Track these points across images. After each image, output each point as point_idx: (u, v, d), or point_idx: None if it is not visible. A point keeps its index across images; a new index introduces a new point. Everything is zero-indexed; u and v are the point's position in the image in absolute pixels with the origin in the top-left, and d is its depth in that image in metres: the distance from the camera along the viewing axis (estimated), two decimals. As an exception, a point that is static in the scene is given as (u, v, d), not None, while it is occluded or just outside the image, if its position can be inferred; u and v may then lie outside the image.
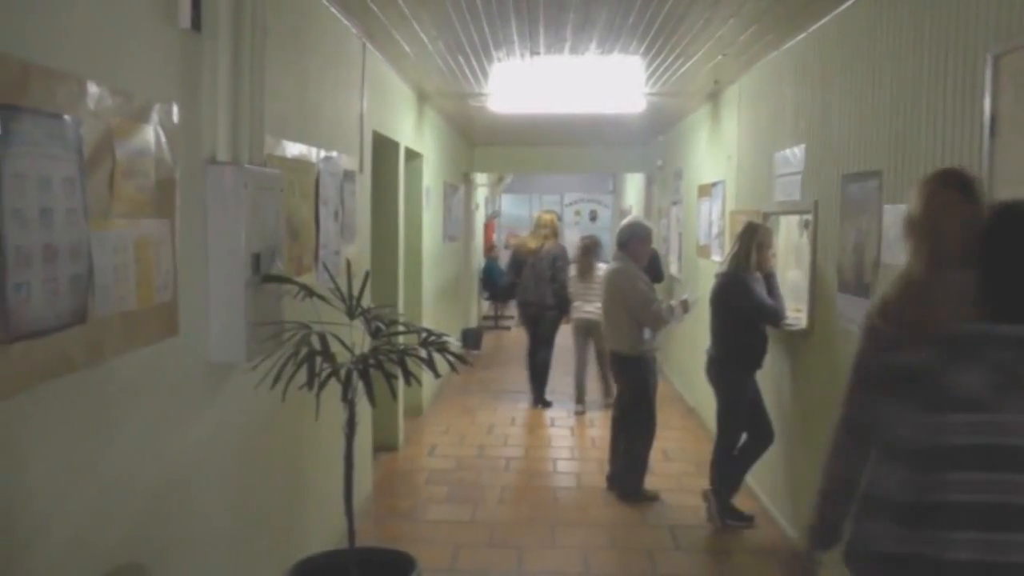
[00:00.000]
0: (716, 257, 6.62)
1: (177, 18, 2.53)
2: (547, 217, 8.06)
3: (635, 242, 5.21)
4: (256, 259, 2.86)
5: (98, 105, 2.06)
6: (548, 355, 7.86)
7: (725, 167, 6.56)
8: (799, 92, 4.74)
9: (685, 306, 5.33)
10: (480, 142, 11.52)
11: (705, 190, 7.28)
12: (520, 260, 7.91)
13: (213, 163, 2.77)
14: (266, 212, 2.97)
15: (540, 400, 7.86)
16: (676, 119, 8.71)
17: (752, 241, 4.69)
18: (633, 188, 13.85)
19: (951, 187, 1.90)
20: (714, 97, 7.01)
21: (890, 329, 1.85)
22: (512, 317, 13.82)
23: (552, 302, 7.69)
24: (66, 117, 1.92)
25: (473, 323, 12.52)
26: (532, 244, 7.89)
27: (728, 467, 4.79)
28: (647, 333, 5.10)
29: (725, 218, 6.46)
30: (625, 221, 5.36)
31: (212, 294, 2.76)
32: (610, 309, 5.30)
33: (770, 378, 5.00)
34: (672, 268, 8.83)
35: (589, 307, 7.42)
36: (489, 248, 14.05)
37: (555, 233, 7.83)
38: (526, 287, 7.80)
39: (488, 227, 15.24)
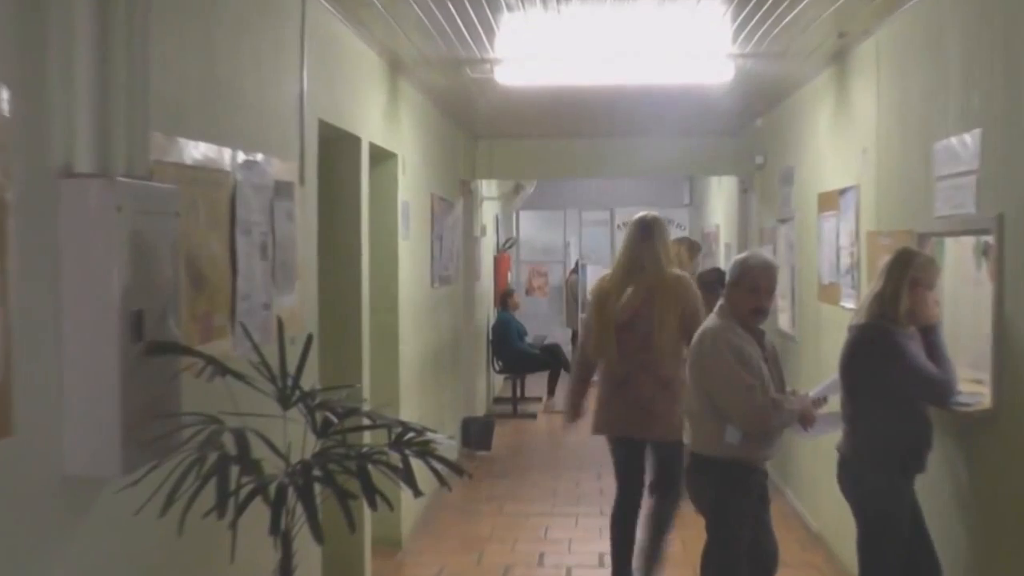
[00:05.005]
0: (848, 303, 6.57)
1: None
2: (648, 219, 6.58)
3: (732, 286, 5.16)
4: (137, 319, 2.86)
5: None
6: (670, 508, 6.31)
7: (858, 166, 6.57)
8: (972, 49, 4.74)
9: (818, 403, 5.27)
10: (485, 134, 11.60)
11: (829, 201, 7.26)
12: (604, 316, 6.36)
13: (68, 176, 2.79)
14: (153, 248, 2.98)
15: None
16: (782, 93, 8.73)
17: (903, 278, 4.66)
18: (720, 199, 13.89)
19: None
20: (839, 59, 7.04)
21: None
22: (539, 399, 13.80)
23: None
24: None
25: (479, 409, 12.50)
26: (622, 288, 6.34)
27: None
28: (732, 433, 5.04)
29: (860, 243, 6.44)
30: (740, 256, 5.32)
31: (68, 373, 2.76)
32: (690, 387, 5.28)
33: (936, 486, 4.94)
34: (782, 320, 8.79)
35: None
36: (503, 295, 14.09)
37: (667, 254, 6.41)
38: (619, 373, 6.32)
39: (501, 262, 15.30)
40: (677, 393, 5.93)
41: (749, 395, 4.94)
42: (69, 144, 2.81)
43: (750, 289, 5.10)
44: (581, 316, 11.62)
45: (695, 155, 11.82)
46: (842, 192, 6.91)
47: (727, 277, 5.27)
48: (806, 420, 5.15)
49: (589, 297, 6.72)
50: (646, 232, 6.33)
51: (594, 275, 18.43)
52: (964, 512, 4.78)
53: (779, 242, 9.15)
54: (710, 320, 5.23)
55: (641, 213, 6.59)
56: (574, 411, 6.87)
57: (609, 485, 9.41)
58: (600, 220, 18.55)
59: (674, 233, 17.51)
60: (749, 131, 10.70)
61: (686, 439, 5.33)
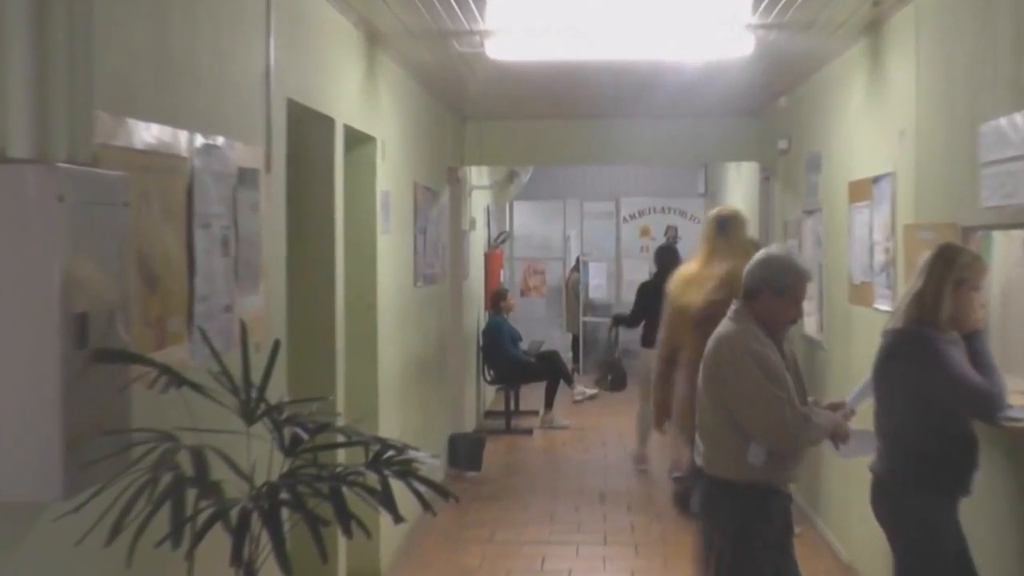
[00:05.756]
0: (883, 305, 6.58)
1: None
2: (727, 214, 7.32)
3: (771, 292, 5.12)
4: (81, 323, 2.86)
5: None
6: None
7: (895, 150, 6.57)
8: None
9: (847, 415, 5.24)
10: (475, 115, 11.60)
11: (861, 190, 7.27)
12: (683, 311, 7.03)
13: (2, 161, 2.78)
14: (99, 243, 2.97)
15: None
16: (808, 69, 8.74)
17: (946, 277, 4.66)
18: (739, 188, 13.89)
19: None
20: (873, 30, 7.04)
21: None
22: (536, 413, 13.80)
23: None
24: None
25: (468, 424, 12.50)
26: (702, 281, 6.98)
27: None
28: (756, 452, 5.02)
29: (896, 238, 6.45)
30: (760, 254, 5.29)
31: (1, 384, 2.75)
32: (705, 401, 5.23)
33: (983, 511, 4.93)
34: (808, 324, 8.77)
35: None
36: (496, 296, 14.09)
37: (744, 250, 6.65)
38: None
39: (493, 259, 15.30)
40: None
41: (777, 409, 4.90)
42: (2, 126, 2.79)
43: (796, 300, 5.09)
44: (621, 315, 11.74)
45: (710, 139, 11.84)
46: (876, 180, 6.90)
47: (757, 278, 5.18)
48: (839, 436, 5.13)
49: (667, 292, 7.47)
50: (724, 227, 7.08)
51: (597, 273, 18.54)
52: (1015, 540, 4.76)
53: (804, 236, 9.16)
54: (726, 326, 5.17)
55: (719, 207, 7.67)
56: (662, 411, 7.27)
57: (613, 510, 9.45)
58: (604, 212, 18.51)
59: (690, 226, 17.69)
60: (771, 112, 10.70)
61: (699, 460, 5.30)
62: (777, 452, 4.99)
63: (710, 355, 5.17)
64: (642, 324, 11.19)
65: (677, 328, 7.11)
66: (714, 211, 7.56)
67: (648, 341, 11.11)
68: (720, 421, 5.08)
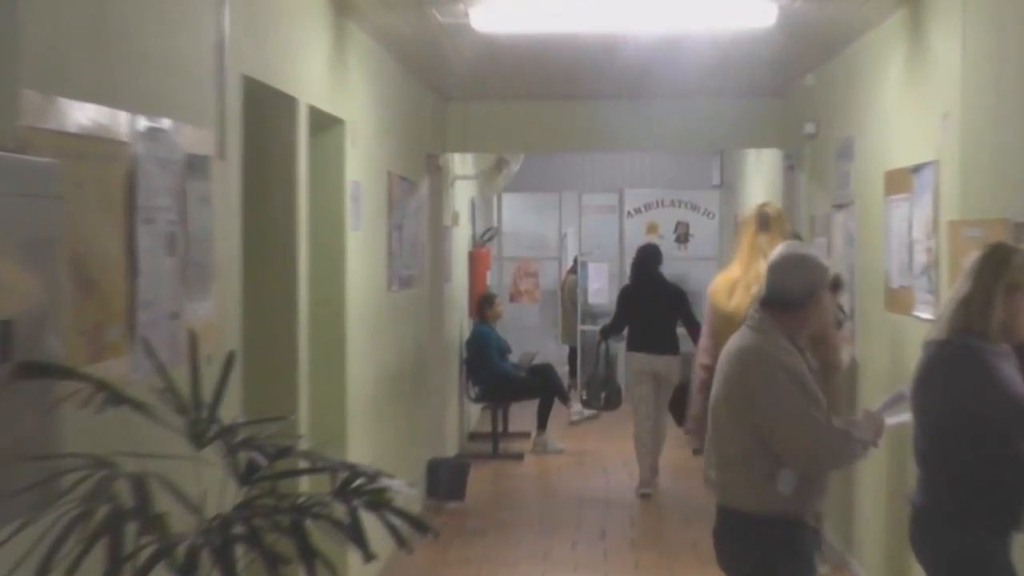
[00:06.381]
0: (924, 312, 6.59)
1: None
2: (769, 210, 8.08)
3: (814, 300, 5.14)
4: (4, 332, 2.86)
5: None
6: None
7: (938, 136, 6.57)
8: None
9: (877, 424, 5.24)
10: (459, 95, 11.60)
11: (899, 181, 7.28)
12: (727, 316, 7.60)
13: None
14: (26, 240, 2.96)
15: None
16: (839, 43, 8.76)
17: (996, 282, 4.65)
18: (759, 179, 13.93)
19: None
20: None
21: None
22: (527, 435, 13.79)
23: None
24: None
25: (449, 448, 12.51)
26: (748, 284, 7.57)
27: None
28: (786, 479, 5.03)
29: (940, 235, 6.45)
30: (780, 252, 5.29)
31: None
32: (724, 423, 5.22)
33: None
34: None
35: None
36: (482, 301, 14.08)
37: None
38: None
39: (479, 259, 15.29)
40: None
41: (816, 430, 4.94)
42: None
43: (825, 304, 5.22)
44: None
45: (727, 123, 11.86)
46: (916, 170, 6.90)
47: (779, 284, 5.17)
48: (879, 439, 5.19)
49: (708, 296, 7.99)
50: (766, 224, 7.67)
51: (598, 274, 18.54)
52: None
53: (834, 234, 9.17)
54: (748, 337, 5.17)
55: (758, 203, 8.10)
56: (702, 424, 7.45)
57: (616, 546, 9.44)
58: (605, 206, 18.47)
59: (703, 222, 17.70)
60: (797, 92, 10.72)
61: (711, 491, 5.28)
62: (811, 477, 5.01)
63: (734, 372, 5.14)
64: (626, 329, 11.91)
65: (727, 336, 7.22)
66: (754, 208, 8.17)
67: (637, 345, 11.74)
68: (746, 446, 5.07)
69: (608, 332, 12.49)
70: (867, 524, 8.12)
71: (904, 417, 5.28)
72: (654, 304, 11.65)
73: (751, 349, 5.10)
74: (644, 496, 11.24)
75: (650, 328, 11.61)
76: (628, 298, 12.06)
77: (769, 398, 4.98)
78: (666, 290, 11.85)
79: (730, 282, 7.73)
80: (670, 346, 11.59)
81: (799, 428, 4.93)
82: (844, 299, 8.21)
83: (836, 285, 7.67)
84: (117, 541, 2.76)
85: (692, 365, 8.95)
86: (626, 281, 13.39)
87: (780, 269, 5.15)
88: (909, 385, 5.09)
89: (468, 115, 11.87)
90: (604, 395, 12.91)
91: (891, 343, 7.43)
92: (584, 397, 13.31)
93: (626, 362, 12.29)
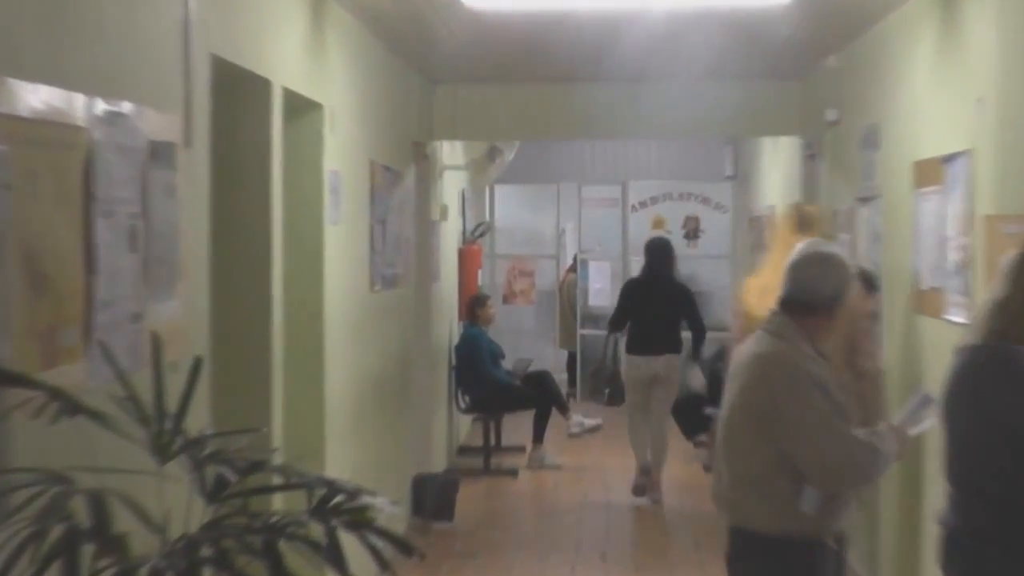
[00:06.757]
0: (957, 315, 6.61)
1: None
2: (809, 209, 8.40)
3: (833, 305, 5.16)
4: (-51, 335, 2.83)
5: None
6: None
7: (972, 123, 6.58)
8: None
9: (901, 436, 5.26)
10: (448, 77, 11.60)
11: (929, 172, 7.29)
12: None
13: None
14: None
15: None
16: (864, 21, 8.78)
17: (1036, 284, 4.67)
18: (776, 169, 13.96)
19: None
20: (943, -27, 7.06)
21: None
22: (523, 449, 13.79)
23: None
24: None
25: (437, 463, 12.52)
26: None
27: None
28: (809, 498, 5.03)
29: (975, 232, 6.46)
30: (800, 251, 5.30)
31: None
32: (740, 437, 5.22)
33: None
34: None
35: None
36: (472, 303, 14.08)
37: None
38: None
39: (470, 257, 15.30)
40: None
41: (845, 446, 4.97)
42: None
43: (846, 306, 5.22)
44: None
45: (740, 108, 11.88)
46: (948, 160, 6.91)
47: (801, 285, 5.18)
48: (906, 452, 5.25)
49: (739, 300, 8.16)
50: (805, 224, 7.86)
51: (599, 273, 18.55)
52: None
53: (858, 230, 9.18)
54: (765, 342, 5.17)
55: (794, 202, 8.64)
56: None
57: (618, 570, 9.42)
58: (608, 199, 18.53)
59: (715, 217, 17.72)
60: (817, 75, 10.74)
61: (723, 511, 5.29)
62: (836, 494, 5.02)
63: (752, 381, 5.13)
64: (628, 327, 12.12)
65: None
66: (791, 206, 8.54)
67: (635, 347, 11.96)
68: (766, 462, 5.07)
69: (613, 325, 12.75)
70: (893, 544, 8.14)
71: (928, 424, 5.31)
72: (657, 302, 11.83)
73: (771, 356, 5.10)
74: (638, 495, 11.66)
75: (650, 328, 11.85)
76: (630, 292, 12.32)
77: (793, 409, 4.99)
78: (671, 288, 11.95)
79: (763, 287, 7.69)
80: (671, 345, 11.78)
81: (826, 442, 4.95)
82: (877, 301, 8.23)
83: (872, 285, 7.81)
84: (72, 564, 2.75)
85: (692, 370, 9.09)
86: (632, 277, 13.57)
87: (803, 269, 5.16)
88: (937, 391, 5.10)
89: (458, 99, 11.87)
90: (608, 391, 13.11)
91: (920, 349, 7.45)
92: (591, 387, 13.59)
93: (624, 365, 12.59)
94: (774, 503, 5.07)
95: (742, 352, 5.31)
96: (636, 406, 12.02)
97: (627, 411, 12.17)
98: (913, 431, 5.31)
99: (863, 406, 7.14)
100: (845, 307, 5.21)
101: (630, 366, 12.10)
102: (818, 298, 5.10)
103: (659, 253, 12.15)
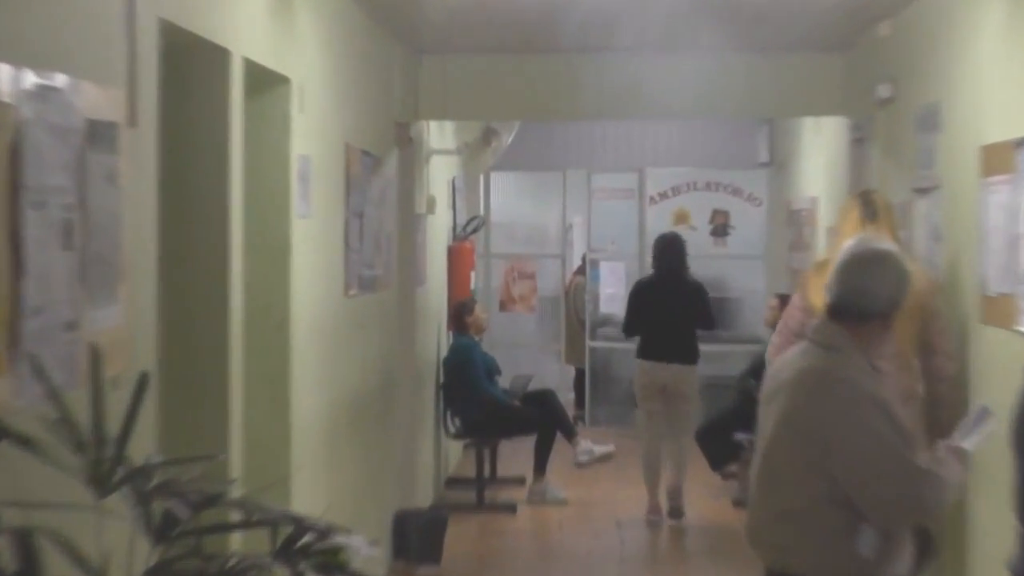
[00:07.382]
0: (1029, 325, 6.59)
1: None
2: (876, 197, 8.40)
3: (891, 311, 5.18)
4: None
5: None
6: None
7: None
8: None
9: (962, 458, 5.26)
10: (436, 47, 11.66)
11: (1000, 159, 7.29)
12: None
13: None
14: None
15: None
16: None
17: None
18: (819, 155, 14.00)
19: None
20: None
21: None
22: (522, 480, 13.81)
23: None
24: None
25: (422, 496, 12.57)
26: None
27: None
28: (867, 539, 5.04)
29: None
30: (850, 249, 5.33)
31: None
32: (782, 467, 5.22)
33: None
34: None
35: None
36: (458, 309, 14.09)
37: (899, 242, 7.93)
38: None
39: (461, 256, 15.33)
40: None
41: (913, 480, 4.99)
42: None
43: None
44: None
45: (777, 84, 11.94)
46: (1022, 144, 6.91)
47: (849, 290, 5.19)
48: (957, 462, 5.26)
49: (802, 302, 8.16)
50: (873, 213, 7.95)
51: (612, 276, 18.59)
52: None
53: (915, 226, 9.19)
54: (813, 355, 5.17)
55: (862, 189, 8.57)
56: None
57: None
58: (623, 189, 18.54)
59: (747, 210, 17.76)
60: (867, 45, 10.78)
61: (760, 553, 5.29)
62: (896, 533, 5.01)
63: (800, 402, 5.13)
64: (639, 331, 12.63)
65: None
66: (858, 194, 8.59)
67: (644, 351, 12.46)
68: (815, 496, 5.08)
69: (627, 331, 13.14)
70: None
71: (985, 438, 5.31)
72: (668, 304, 12.10)
73: (822, 371, 5.10)
74: (653, 523, 12.11)
75: (660, 332, 12.22)
76: (639, 293, 12.73)
77: (851, 435, 4.99)
78: (685, 288, 12.13)
79: (818, 276, 7.74)
80: (683, 354, 11.98)
81: (890, 474, 4.97)
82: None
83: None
84: (-6, 615, 2.75)
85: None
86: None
87: (856, 269, 5.18)
88: (1005, 412, 5.10)
89: (447, 73, 11.91)
90: None
91: (986, 363, 7.48)
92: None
93: (634, 371, 12.98)
94: (824, 543, 5.07)
95: (782, 367, 5.31)
96: (650, 415, 12.40)
97: (640, 425, 12.54)
98: (970, 448, 5.31)
99: (935, 417, 7.24)
100: (900, 312, 5.22)
101: (639, 371, 12.57)
102: (873, 303, 5.12)
103: (669, 250, 12.46)
